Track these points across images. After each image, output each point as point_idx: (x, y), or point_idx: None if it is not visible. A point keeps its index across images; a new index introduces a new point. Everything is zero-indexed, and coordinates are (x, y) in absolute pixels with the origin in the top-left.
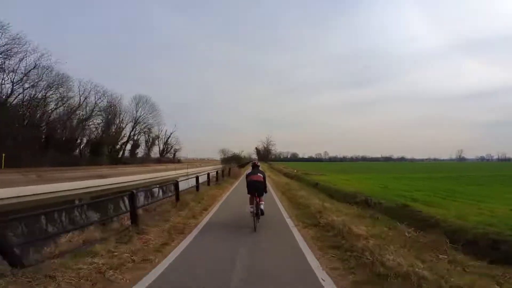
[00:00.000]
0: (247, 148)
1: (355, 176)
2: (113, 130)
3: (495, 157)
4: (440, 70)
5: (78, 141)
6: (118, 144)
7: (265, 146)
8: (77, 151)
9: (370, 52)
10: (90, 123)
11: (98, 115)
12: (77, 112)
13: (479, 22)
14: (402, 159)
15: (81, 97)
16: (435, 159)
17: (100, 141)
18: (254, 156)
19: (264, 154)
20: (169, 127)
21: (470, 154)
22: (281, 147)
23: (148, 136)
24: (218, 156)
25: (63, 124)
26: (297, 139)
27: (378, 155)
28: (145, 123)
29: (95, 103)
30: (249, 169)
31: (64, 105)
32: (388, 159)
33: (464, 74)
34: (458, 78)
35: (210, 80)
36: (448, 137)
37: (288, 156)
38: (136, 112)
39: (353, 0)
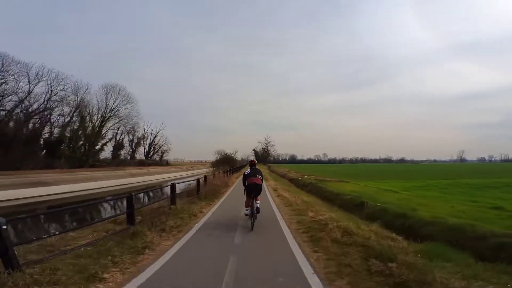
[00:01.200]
0: (245, 150)
1: (392, 184)
2: (89, 127)
3: (497, 158)
4: (437, 72)
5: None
6: (98, 144)
7: (264, 147)
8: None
9: (367, 54)
10: (53, 117)
11: (55, 107)
12: (26, 102)
13: (475, 24)
14: (402, 161)
15: (31, 84)
16: (434, 161)
17: (58, 140)
18: (252, 158)
19: (263, 156)
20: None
21: (469, 156)
22: (279, 149)
23: (132, 136)
24: (215, 158)
25: (7, 117)
26: (294, 141)
27: (376, 157)
28: (118, 116)
29: (50, 91)
30: (247, 169)
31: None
32: (388, 161)
33: (462, 76)
34: (455, 80)
35: (209, 83)
36: (446, 138)
37: (287, 158)
38: (106, 104)
39: (351, 4)
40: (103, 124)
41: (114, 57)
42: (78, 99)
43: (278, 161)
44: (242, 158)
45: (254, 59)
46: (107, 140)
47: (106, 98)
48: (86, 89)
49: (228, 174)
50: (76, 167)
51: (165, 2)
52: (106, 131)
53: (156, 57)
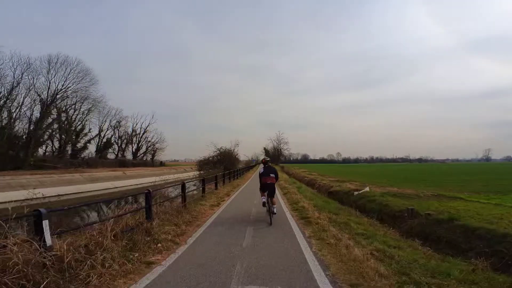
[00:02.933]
0: (254, 150)
1: None
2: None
3: None
4: (453, 69)
5: None
6: (79, 141)
7: (276, 145)
8: None
9: (379, 52)
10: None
11: None
12: None
13: (490, 20)
14: (421, 160)
15: None
16: (457, 160)
17: None
18: (263, 157)
19: (274, 155)
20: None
21: (493, 155)
22: (290, 148)
23: (118, 131)
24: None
25: None
26: (305, 141)
27: (390, 156)
28: (74, 99)
29: None
30: (260, 168)
31: None
32: (405, 160)
33: (479, 73)
34: (472, 77)
35: (216, 83)
36: (466, 137)
37: (299, 158)
38: (49, 81)
39: (361, 2)
40: (48, 110)
41: (122, 58)
42: (16, 77)
43: (290, 161)
44: (251, 157)
45: (262, 59)
46: (91, 137)
47: (48, 73)
48: (27, 65)
49: (221, 183)
50: (11, 168)
51: (172, 6)
52: (87, 127)
53: (163, 59)
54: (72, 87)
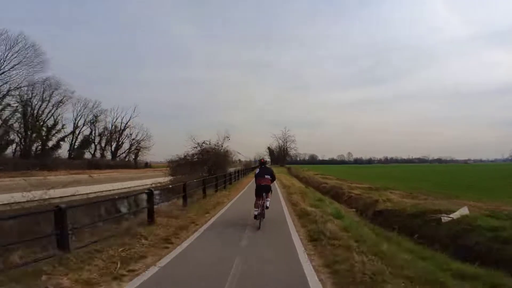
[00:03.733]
0: (257, 149)
1: None
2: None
3: None
4: (471, 63)
5: None
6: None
7: (281, 143)
8: None
9: (388, 46)
10: None
11: None
12: None
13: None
14: (440, 161)
15: None
16: (480, 160)
17: None
18: (267, 158)
19: (280, 155)
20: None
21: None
22: (297, 147)
23: (95, 126)
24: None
25: None
26: (309, 140)
27: (406, 156)
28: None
29: None
30: (257, 169)
31: None
32: (422, 161)
33: (499, 68)
34: (491, 72)
35: (216, 80)
36: (483, 135)
37: (306, 158)
38: None
39: None
40: None
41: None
42: None
43: (296, 161)
44: (254, 158)
45: (265, 55)
46: (65, 134)
47: None
48: None
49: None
50: None
51: (170, 4)
52: (60, 123)
53: (163, 57)
54: (15, 71)
